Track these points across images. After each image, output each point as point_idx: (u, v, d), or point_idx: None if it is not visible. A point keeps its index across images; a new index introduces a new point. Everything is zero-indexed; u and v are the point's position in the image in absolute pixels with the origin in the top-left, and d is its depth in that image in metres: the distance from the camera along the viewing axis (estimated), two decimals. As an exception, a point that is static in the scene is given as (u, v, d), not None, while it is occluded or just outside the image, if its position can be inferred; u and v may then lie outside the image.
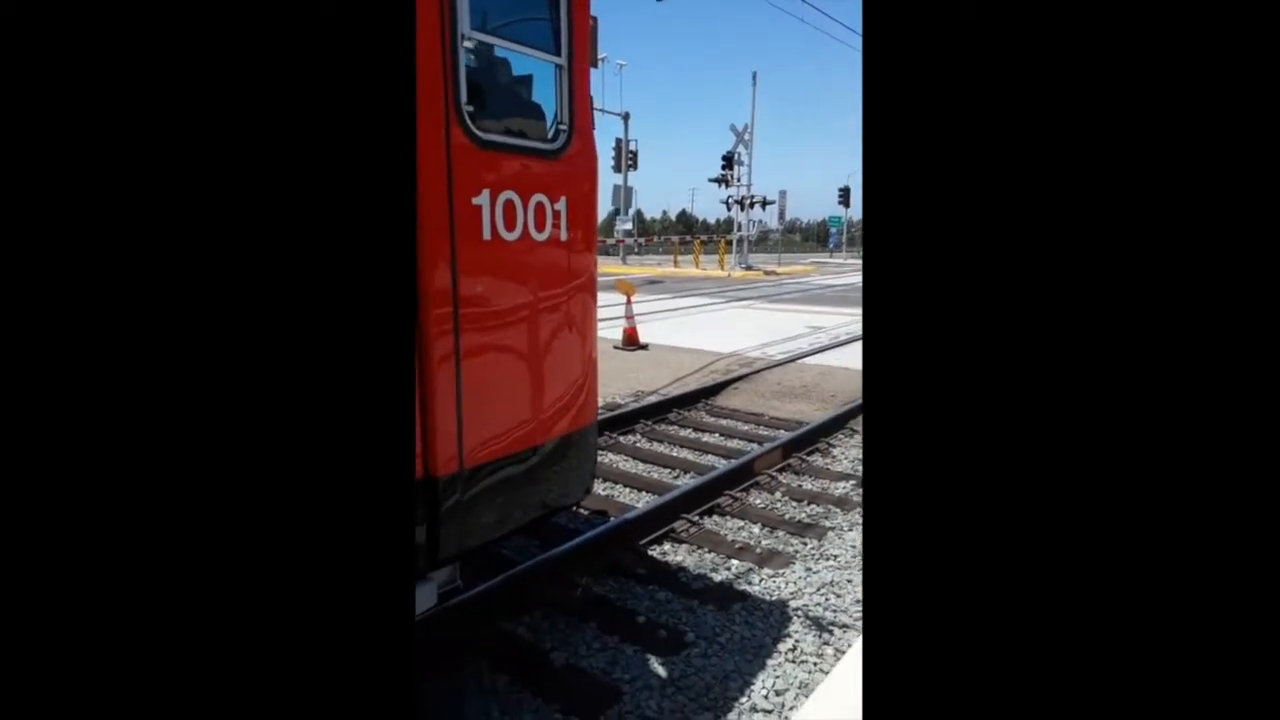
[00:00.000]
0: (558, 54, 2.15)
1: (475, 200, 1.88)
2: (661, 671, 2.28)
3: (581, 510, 3.48)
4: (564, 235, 2.19)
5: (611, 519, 3.22)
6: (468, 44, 1.84)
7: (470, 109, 1.84)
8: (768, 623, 2.57)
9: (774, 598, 2.75)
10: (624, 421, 4.94)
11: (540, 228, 2.09)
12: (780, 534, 3.33)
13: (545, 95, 2.22)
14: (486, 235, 1.92)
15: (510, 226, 1.99)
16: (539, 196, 2.07)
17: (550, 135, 2.19)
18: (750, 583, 2.86)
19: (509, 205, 1.97)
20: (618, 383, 6.26)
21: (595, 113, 2.48)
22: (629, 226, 25.28)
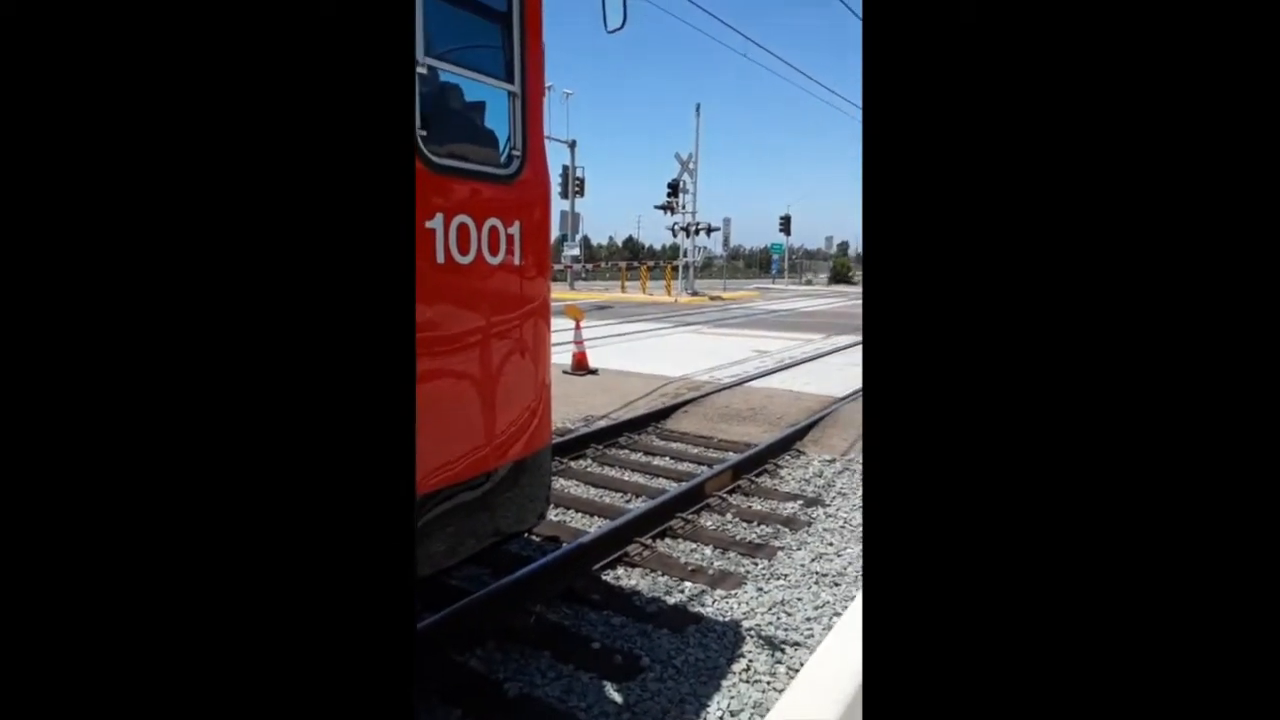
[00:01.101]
0: (511, 82, 2.18)
1: (429, 224, 1.88)
2: (617, 698, 2.26)
3: (534, 537, 3.44)
4: (518, 260, 2.20)
5: (564, 545, 3.19)
6: (421, 70, 1.85)
7: (423, 133, 1.85)
8: (722, 644, 2.59)
9: (727, 618, 2.77)
10: (575, 446, 4.92)
11: (494, 252, 2.10)
12: (732, 555, 3.36)
13: (499, 122, 2.25)
14: (440, 259, 1.91)
15: (464, 250, 1.99)
16: (493, 221, 2.08)
17: (504, 160, 2.21)
18: (704, 604, 2.88)
19: (463, 229, 1.98)
20: (568, 407, 6.23)
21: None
22: (577, 252, 25.38)
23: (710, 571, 3.16)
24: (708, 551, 3.40)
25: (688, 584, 3.04)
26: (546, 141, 2.48)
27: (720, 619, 2.76)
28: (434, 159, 1.88)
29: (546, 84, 2.41)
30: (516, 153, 2.21)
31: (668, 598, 2.92)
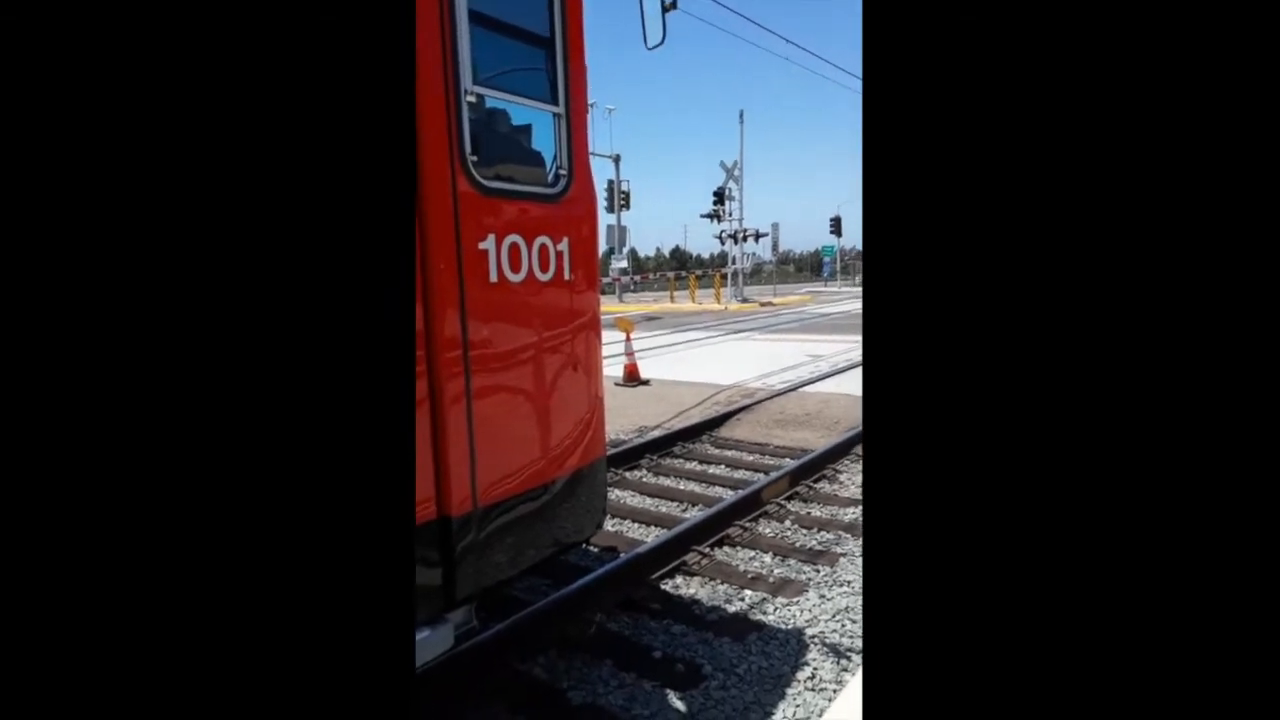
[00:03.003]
0: (555, 104, 2.24)
1: (481, 245, 1.94)
2: (680, 706, 2.26)
3: (592, 548, 3.48)
4: (567, 275, 2.25)
5: (622, 555, 3.22)
6: (470, 98, 1.93)
7: (474, 158, 1.92)
8: (785, 652, 2.56)
9: (790, 626, 2.74)
10: (629, 457, 4.95)
11: (544, 269, 2.15)
12: (792, 562, 3.32)
13: (544, 142, 2.31)
14: (493, 278, 1.98)
15: (516, 269, 2.05)
16: (542, 239, 2.14)
17: (551, 180, 2.27)
18: (765, 612, 2.85)
19: (514, 248, 2.04)
20: (621, 419, 6.28)
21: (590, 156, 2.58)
22: (624, 265, 25.57)
23: (770, 579, 3.13)
24: (767, 559, 3.37)
25: (748, 592, 3.02)
26: (591, 158, 2.54)
27: (783, 627, 2.73)
28: (484, 183, 1.95)
29: (590, 101, 2.47)
30: (563, 172, 2.27)
31: (728, 606, 2.91)
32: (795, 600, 2.94)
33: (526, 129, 2.35)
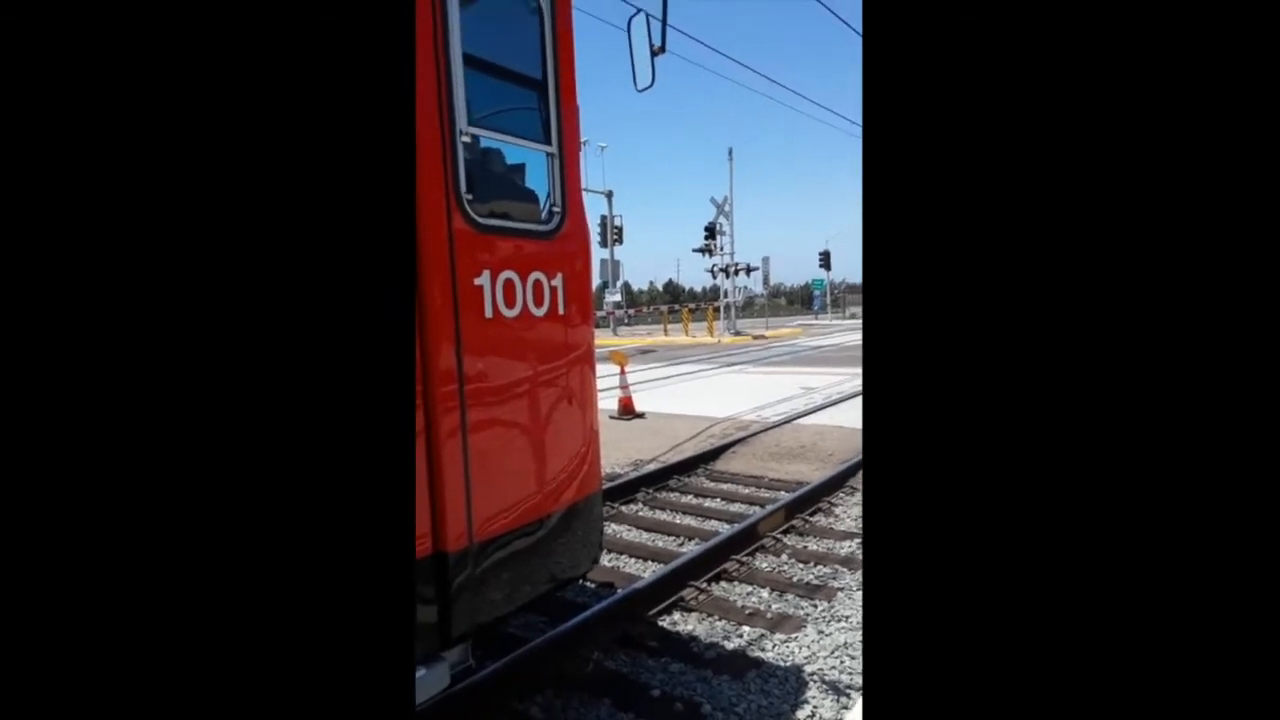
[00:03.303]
0: (548, 143, 2.29)
1: (477, 281, 1.97)
2: (680, 746, 2.22)
3: (588, 583, 3.43)
4: (561, 310, 2.27)
5: (619, 590, 3.18)
6: (465, 138, 1.98)
7: (469, 197, 1.96)
8: (784, 689, 2.52)
9: (789, 663, 2.70)
10: (625, 491, 4.92)
11: (539, 304, 2.18)
12: (789, 597, 3.29)
13: (538, 180, 2.36)
14: (489, 313, 2.00)
15: (510, 304, 2.07)
16: (536, 274, 2.17)
17: (544, 216, 2.31)
18: (763, 649, 2.81)
19: (509, 284, 2.06)
20: (617, 452, 6.26)
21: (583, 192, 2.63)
22: (618, 298, 25.73)
23: (768, 615, 3.10)
24: (765, 594, 3.33)
25: (746, 628, 2.98)
26: (584, 194, 2.58)
27: (781, 664, 2.69)
28: (479, 220, 1.98)
29: (582, 139, 2.53)
30: (556, 209, 2.31)
31: (726, 642, 2.87)
32: (793, 636, 2.90)
33: (520, 167, 2.39)
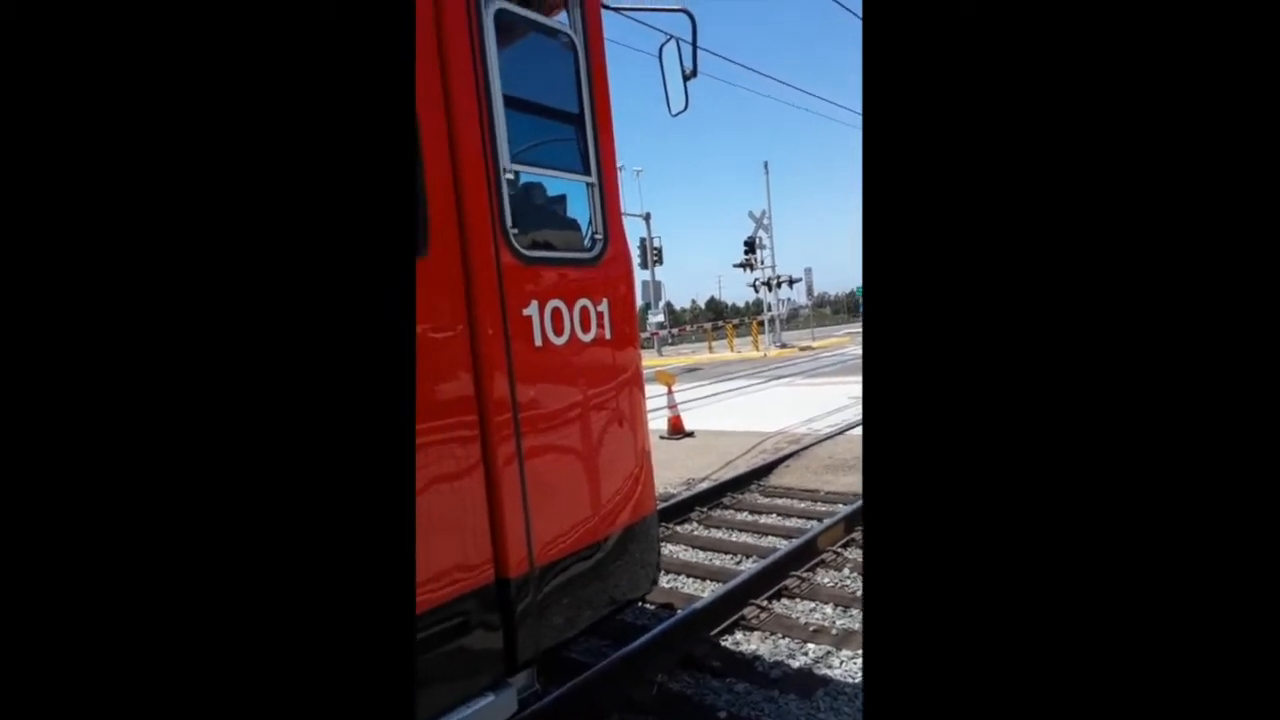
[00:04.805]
0: (588, 174, 2.35)
1: (525, 311, 2.03)
2: (750, 769, 2.19)
3: (648, 605, 3.43)
4: (608, 335, 2.31)
5: (679, 611, 3.17)
6: (508, 175, 2.05)
7: (515, 231, 2.03)
8: (855, 706, 2.46)
9: (858, 680, 2.64)
10: (679, 510, 4.91)
11: (586, 330, 2.22)
12: (855, 612, 3.22)
13: (580, 209, 2.42)
14: (538, 342, 2.05)
15: (559, 332, 2.12)
16: (582, 301, 2.22)
17: (588, 244, 2.37)
18: (830, 666, 2.76)
19: (556, 313, 2.12)
20: (668, 472, 6.25)
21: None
22: (661, 319, 25.83)
23: (833, 631, 3.04)
24: (828, 610, 3.27)
25: (810, 645, 2.93)
26: (624, 218, 2.64)
27: (851, 680, 2.64)
28: (525, 252, 2.05)
29: (619, 164, 2.58)
30: (599, 236, 2.36)
31: (791, 661, 2.82)
32: (860, 653, 2.84)
33: (562, 198, 2.46)
